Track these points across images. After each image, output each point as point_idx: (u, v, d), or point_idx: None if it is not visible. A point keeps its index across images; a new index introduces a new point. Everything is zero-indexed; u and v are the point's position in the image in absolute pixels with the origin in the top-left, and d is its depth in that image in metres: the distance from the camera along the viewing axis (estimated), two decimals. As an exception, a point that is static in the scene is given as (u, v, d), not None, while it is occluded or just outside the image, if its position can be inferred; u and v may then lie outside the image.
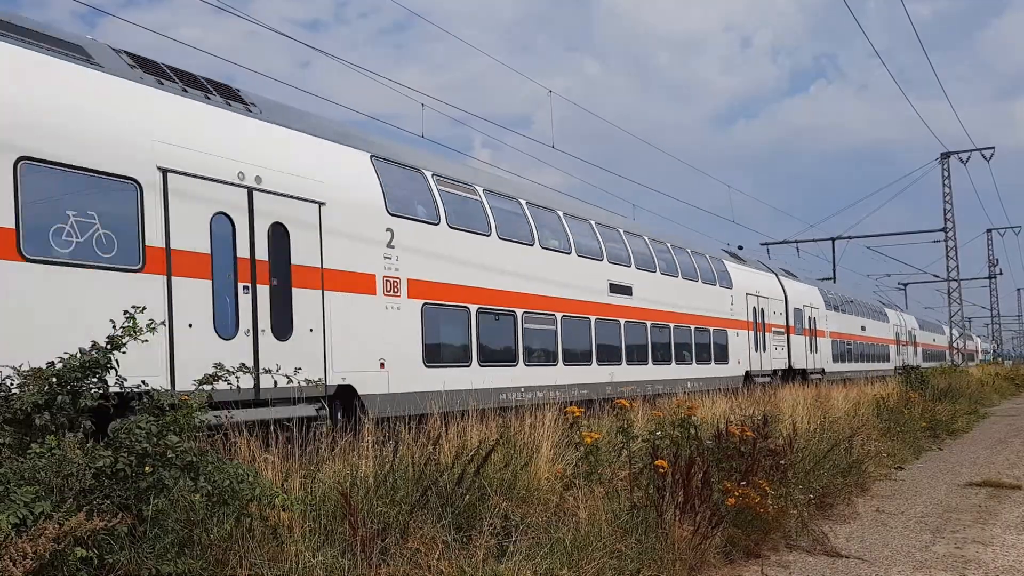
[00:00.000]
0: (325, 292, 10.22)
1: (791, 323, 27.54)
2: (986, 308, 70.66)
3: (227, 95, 9.97)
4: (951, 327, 50.00)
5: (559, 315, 15.17)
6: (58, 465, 4.42)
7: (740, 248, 31.18)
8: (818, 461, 9.21)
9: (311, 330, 9.96)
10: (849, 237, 46.26)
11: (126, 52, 9.21)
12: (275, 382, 8.19)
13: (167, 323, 8.27)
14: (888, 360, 42.96)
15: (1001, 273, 63.32)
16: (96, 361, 4.83)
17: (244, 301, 9.20)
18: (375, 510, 5.51)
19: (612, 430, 8.18)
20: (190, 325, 8.62)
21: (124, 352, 5.04)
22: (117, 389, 5.08)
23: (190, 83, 9.59)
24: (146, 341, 5.13)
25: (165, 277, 8.42)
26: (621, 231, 18.44)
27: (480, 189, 14.00)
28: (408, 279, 11.65)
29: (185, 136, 8.89)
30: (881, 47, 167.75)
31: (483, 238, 13.51)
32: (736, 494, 6.86)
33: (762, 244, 46.46)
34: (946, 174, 43.90)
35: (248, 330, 9.21)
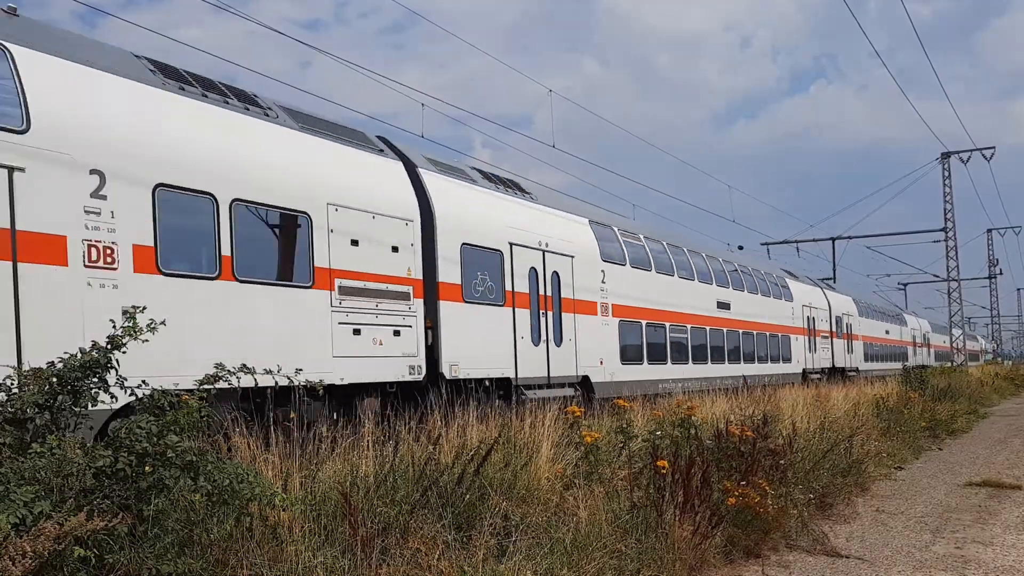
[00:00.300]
0: (576, 315, 15.75)
1: (833, 328, 33.17)
2: (986, 308, 70.70)
3: (521, 190, 15.63)
4: (951, 327, 50.06)
5: (689, 327, 20.73)
6: (58, 465, 4.42)
7: (740, 248, 31.24)
8: (818, 461, 9.21)
9: (570, 340, 15.49)
10: (849, 237, 46.24)
11: (478, 170, 14.89)
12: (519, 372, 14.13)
13: (513, 337, 13.78)
14: (907, 359, 48.38)
15: (1001, 273, 63.31)
16: (96, 361, 4.83)
17: (542, 321, 14.75)
18: (375, 510, 5.50)
19: (612, 430, 8.18)
20: (522, 337, 14.03)
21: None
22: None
23: (508, 185, 15.29)
24: (146, 341, 5.12)
25: (512, 308, 13.90)
26: (721, 259, 24.12)
27: (642, 236, 19.54)
28: (612, 304, 17.23)
29: (518, 221, 14.53)
30: (881, 47, 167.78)
31: (647, 272, 19.07)
32: (736, 494, 6.86)
33: (762, 244, 46.49)
34: (946, 174, 43.90)
35: (545, 340, 14.72)
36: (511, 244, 13.97)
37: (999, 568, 6.58)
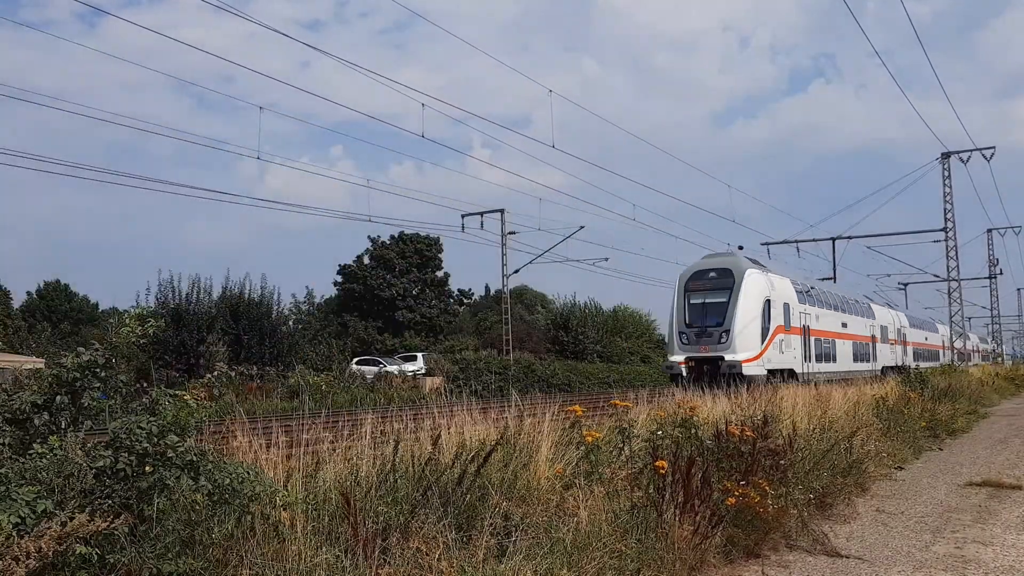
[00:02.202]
0: (912, 347, 50.89)
1: (940, 342, 57.03)
2: (986, 308, 70.73)
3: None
4: (950, 326, 50.17)
5: (918, 349, 53.73)
6: (59, 465, 4.42)
7: (740, 248, 31.25)
8: (818, 461, 9.20)
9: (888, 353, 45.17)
10: (849, 237, 46.49)
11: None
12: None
13: (900, 355, 47.73)
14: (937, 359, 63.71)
15: (1001, 273, 63.36)
16: (95, 362, 4.83)
17: (898, 348, 47.27)
18: (376, 510, 5.50)
19: (612, 430, 8.17)
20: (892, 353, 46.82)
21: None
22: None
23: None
24: (135, 340, 5.14)
25: (902, 346, 48.46)
26: (937, 325, 59.12)
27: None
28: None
29: (905, 323, 49.62)
30: (880, 47, 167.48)
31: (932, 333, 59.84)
32: (736, 494, 6.86)
33: (762, 244, 46.80)
34: (946, 174, 43.95)
35: (901, 355, 48.34)
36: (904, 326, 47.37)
37: (999, 568, 6.59)
